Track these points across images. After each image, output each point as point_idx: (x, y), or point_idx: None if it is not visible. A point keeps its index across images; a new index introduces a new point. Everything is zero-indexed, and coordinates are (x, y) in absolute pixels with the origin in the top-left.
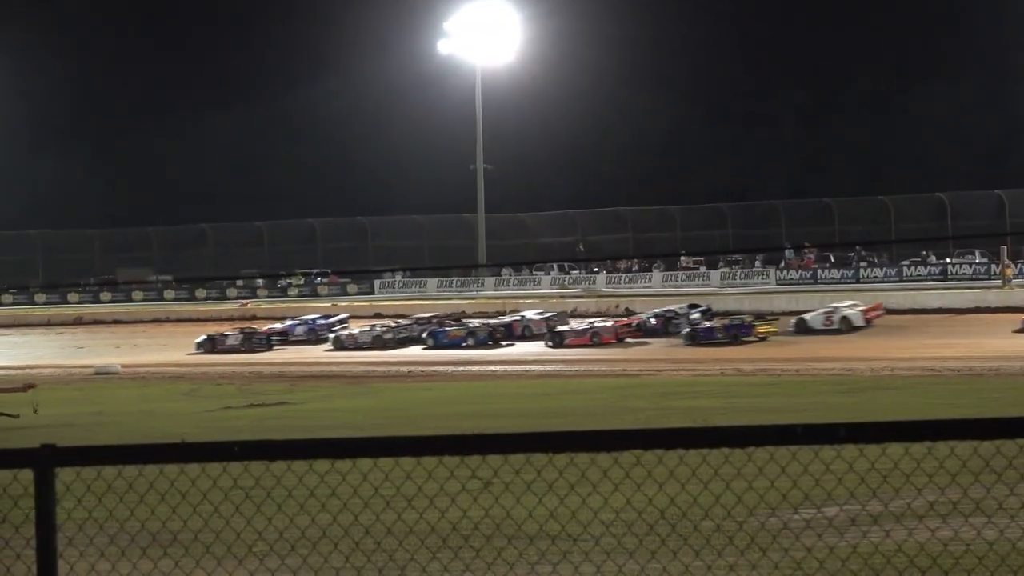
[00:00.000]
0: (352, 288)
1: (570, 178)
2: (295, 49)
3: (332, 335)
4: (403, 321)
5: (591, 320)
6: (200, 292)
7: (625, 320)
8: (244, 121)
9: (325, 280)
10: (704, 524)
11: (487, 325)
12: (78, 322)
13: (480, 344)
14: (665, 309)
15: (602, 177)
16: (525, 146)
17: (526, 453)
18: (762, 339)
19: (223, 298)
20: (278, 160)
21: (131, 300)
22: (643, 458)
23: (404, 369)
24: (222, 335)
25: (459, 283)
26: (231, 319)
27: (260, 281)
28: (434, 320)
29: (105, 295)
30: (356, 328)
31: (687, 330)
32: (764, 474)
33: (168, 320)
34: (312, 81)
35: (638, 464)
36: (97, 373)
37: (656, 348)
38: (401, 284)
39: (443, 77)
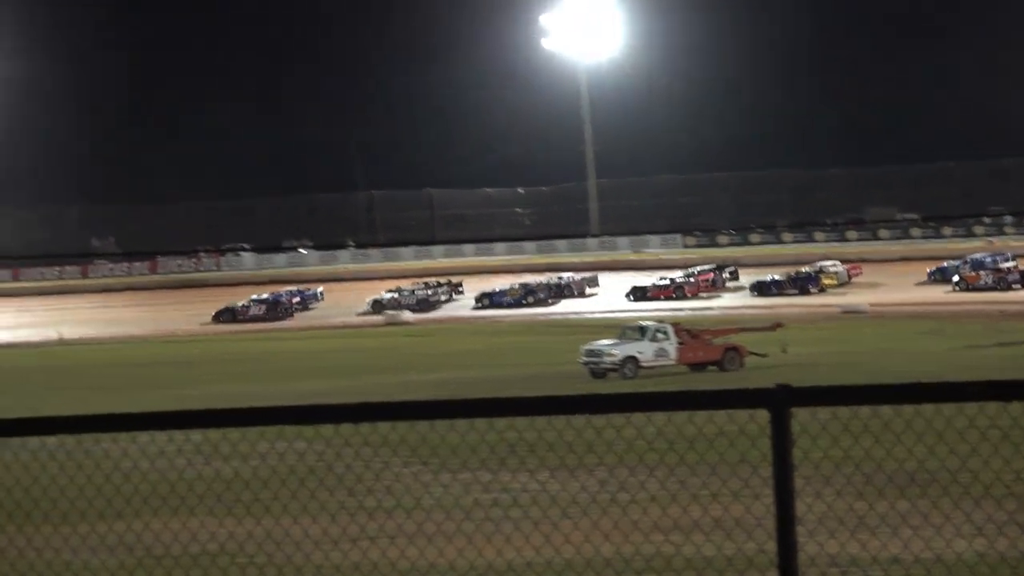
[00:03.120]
0: None
1: None
2: None
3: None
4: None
5: (671, 276)
6: (946, 230)
7: (705, 275)
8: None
9: None
10: None
11: (546, 284)
12: (796, 263)
13: (540, 303)
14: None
15: None
16: None
17: None
18: (822, 290)
19: (969, 235)
20: None
21: (877, 239)
22: None
23: None
24: (243, 305)
25: None
26: (974, 259)
27: (1008, 218)
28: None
29: (851, 234)
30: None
31: (755, 282)
32: None
33: (915, 259)
34: None
35: None
36: (844, 312)
37: None
38: None
39: None
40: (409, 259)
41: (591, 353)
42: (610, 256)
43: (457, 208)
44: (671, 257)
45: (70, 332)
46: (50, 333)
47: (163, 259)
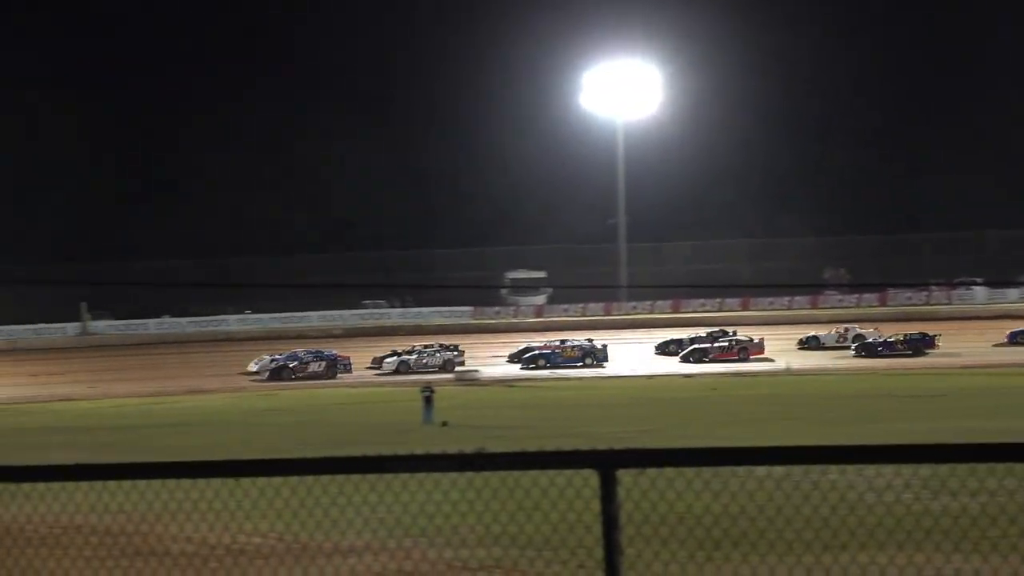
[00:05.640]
0: None
1: None
2: None
3: None
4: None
5: (731, 338)
6: None
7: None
8: None
9: None
10: None
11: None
12: None
13: (599, 363)
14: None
15: None
16: None
17: None
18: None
19: None
20: None
21: None
22: None
23: None
24: (302, 363)
25: None
26: None
27: None
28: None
29: None
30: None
31: (857, 343)
32: None
33: None
34: None
35: None
36: None
37: None
38: None
39: None
40: None
41: None
42: None
43: None
44: None
45: (799, 363)
46: (779, 364)
47: (893, 291)
